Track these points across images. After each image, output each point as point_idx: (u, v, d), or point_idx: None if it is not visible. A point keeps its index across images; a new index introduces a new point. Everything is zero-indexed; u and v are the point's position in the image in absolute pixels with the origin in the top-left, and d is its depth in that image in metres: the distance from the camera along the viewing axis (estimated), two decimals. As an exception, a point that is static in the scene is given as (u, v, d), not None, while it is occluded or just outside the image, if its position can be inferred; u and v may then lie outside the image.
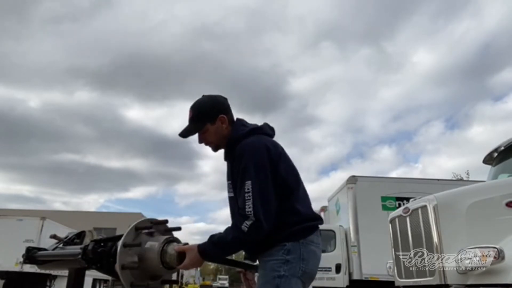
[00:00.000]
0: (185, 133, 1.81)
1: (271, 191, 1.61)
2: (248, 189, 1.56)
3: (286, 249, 1.60)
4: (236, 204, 1.65)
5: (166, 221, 1.81)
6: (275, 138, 1.88)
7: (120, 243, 1.62)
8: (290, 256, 1.59)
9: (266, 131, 1.85)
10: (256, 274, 1.91)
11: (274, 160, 1.67)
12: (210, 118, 1.79)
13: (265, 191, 1.58)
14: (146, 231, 1.73)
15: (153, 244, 1.67)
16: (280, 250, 1.60)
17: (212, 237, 1.60)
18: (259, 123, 1.89)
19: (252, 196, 1.55)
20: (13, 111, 59.78)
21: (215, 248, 1.57)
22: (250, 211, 1.53)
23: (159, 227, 1.79)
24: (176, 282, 1.84)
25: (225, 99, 1.89)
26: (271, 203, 1.59)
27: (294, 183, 1.74)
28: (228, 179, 1.80)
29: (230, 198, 1.79)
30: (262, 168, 1.61)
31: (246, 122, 1.87)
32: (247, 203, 1.54)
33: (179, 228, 1.80)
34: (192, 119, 1.82)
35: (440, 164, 76.56)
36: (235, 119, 1.87)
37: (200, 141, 1.84)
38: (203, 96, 1.87)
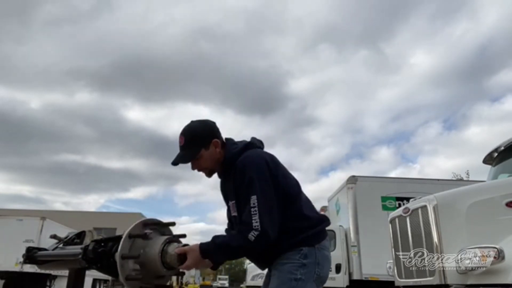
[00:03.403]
0: (179, 160, 1.76)
1: (275, 202, 1.63)
2: (253, 203, 1.57)
3: (303, 253, 1.63)
4: (240, 218, 1.65)
5: (174, 224, 1.81)
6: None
7: (125, 233, 1.64)
8: (306, 260, 1.62)
9: (257, 145, 1.86)
10: None
11: (273, 170, 1.69)
12: (204, 143, 1.75)
13: (269, 203, 1.60)
14: (150, 231, 1.74)
15: (154, 243, 1.67)
16: (297, 254, 1.63)
17: (215, 238, 1.60)
18: (247, 138, 1.90)
19: (258, 210, 1.56)
20: (14, 112, 59.97)
21: (217, 251, 1.58)
22: (257, 226, 1.54)
23: (165, 230, 1.80)
24: (169, 287, 1.85)
25: (214, 122, 1.87)
26: (275, 214, 1.61)
27: (296, 188, 1.77)
28: (231, 199, 1.79)
29: (235, 218, 1.77)
30: (264, 181, 1.63)
31: (234, 141, 1.87)
32: (253, 218, 1.55)
33: (184, 235, 1.80)
34: (185, 145, 1.76)
35: (438, 164, 76.81)
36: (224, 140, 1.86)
37: (193, 167, 1.80)
38: (192, 121, 1.84)
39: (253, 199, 1.58)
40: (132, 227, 1.69)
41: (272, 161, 1.73)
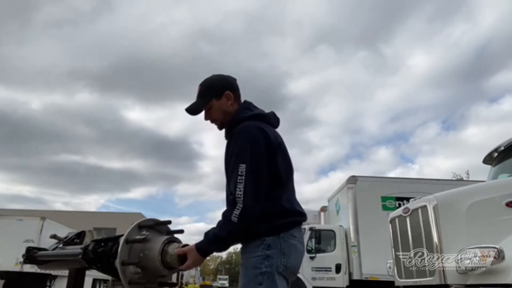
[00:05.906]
0: (191, 108, 1.79)
1: (264, 177, 1.57)
2: (241, 172, 1.53)
3: (266, 244, 1.55)
4: (228, 187, 1.63)
5: (169, 222, 1.81)
6: (278, 130, 1.83)
7: (122, 239, 1.63)
8: (270, 251, 1.55)
9: (270, 120, 1.79)
10: None
11: (272, 148, 1.62)
12: (216, 94, 1.77)
13: (258, 176, 1.55)
14: (147, 233, 1.74)
15: (154, 244, 1.67)
16: (260, 246, 1.56)
17: (207, 234, 1.58)
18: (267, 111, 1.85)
19: (245, 180, 1.51)
20: (15, 113, 60.02)
21: (212, 245, 1.57)
22: (240, 195, 1.50)
23: (162, 228, 1.79)
24: (175, 284, 1.84)
25: (234, 79, 1.88)
26: (261, 189, 1.55)
27: (285, 177, 1.68)
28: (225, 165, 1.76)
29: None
30: (258, 153, 1.57)
31: (253, 107, 1.83)
32: (238, 187, 1.51)
33: (181, 231, 1.80)
34: (199, 94, 1.80)
35: (436, 164, 76.79)
36: (242, 100, 1.84)
37: (206, 117, 1.81)
38: (213, 74, 1.86)
39: (242, 167, 1.53)
40: (128, 231, 1.66)
41: (274, 137, 1.66)
